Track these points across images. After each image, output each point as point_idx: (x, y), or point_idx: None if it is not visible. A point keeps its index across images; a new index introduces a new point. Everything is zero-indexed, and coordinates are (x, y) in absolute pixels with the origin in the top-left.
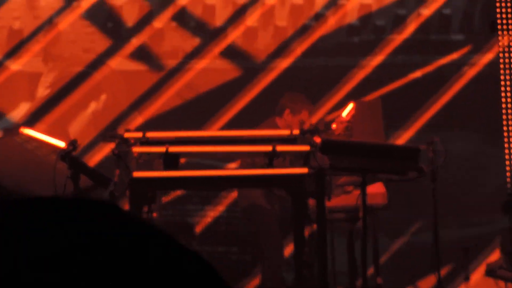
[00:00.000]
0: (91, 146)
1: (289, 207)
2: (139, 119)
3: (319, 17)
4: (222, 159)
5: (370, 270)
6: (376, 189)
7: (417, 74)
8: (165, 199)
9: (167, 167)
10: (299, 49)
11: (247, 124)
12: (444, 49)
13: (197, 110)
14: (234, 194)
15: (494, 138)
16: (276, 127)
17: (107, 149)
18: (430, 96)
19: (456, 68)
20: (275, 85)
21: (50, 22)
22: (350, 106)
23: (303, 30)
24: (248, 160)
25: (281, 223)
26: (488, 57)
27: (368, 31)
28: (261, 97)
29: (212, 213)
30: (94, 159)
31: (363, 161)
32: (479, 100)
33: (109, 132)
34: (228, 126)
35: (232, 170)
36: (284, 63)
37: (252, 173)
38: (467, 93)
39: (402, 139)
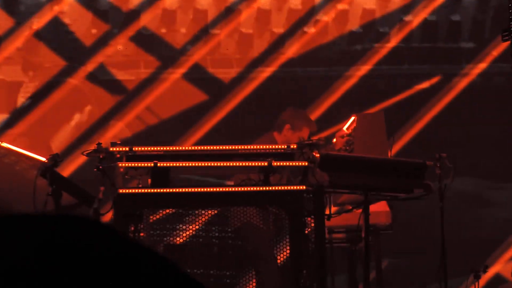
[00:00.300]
0: (73, 159)
1: (286, 227)
2: (126, 132)
3: (317, 23)
4: (215, 175)
5: None
6: (380, 208)
7: (425, 84)
8: (154, 217)
9: (155, 184)
10: (285, 56)
11: (234, 138)
12: (453, 58)
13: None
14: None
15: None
16: (274, 142)
17: (87, 162)
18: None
19: (464, 78)
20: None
21: (29, 28)
22: (352, 119)
23: (297, 36)
24: (242, 176)
25: (278, 244)
26: (500, 66)
27: (371, 38)
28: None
29: (202, 233)
30: (75, 173)
31: (365, 178)
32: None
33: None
34: (211, 140)
35: (224, 186)
36: (270, 72)
37: (246, 190)
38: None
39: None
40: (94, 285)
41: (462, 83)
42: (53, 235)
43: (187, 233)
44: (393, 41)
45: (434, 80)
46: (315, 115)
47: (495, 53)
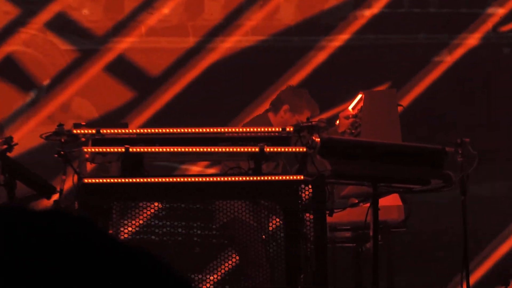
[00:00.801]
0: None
1: (281, 224)
2: (92, 111)
3: None
4: (197, 163)
5: None
6: (391, 202)
7: (444, 57)
8: (125, 212)
9: (127, 172)
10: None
11: (216, 119)
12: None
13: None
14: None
15: None
16: (268, 125)
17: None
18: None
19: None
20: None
21: None
22: (358, 97)
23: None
24: (230, 164)
25: (271, 244)
26: None
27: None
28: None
29: (182, 231)
30: (29, 157)
31: (374, 166)
32: None
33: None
34: (191, 121)
35: (208, 176)
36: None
37: (234, 180)
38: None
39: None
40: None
41: (486, 55)
42: (45, 233)
43: (164, 230)
44: (407, 6)
45: (455, 51)
46: (314, 93)
47: None
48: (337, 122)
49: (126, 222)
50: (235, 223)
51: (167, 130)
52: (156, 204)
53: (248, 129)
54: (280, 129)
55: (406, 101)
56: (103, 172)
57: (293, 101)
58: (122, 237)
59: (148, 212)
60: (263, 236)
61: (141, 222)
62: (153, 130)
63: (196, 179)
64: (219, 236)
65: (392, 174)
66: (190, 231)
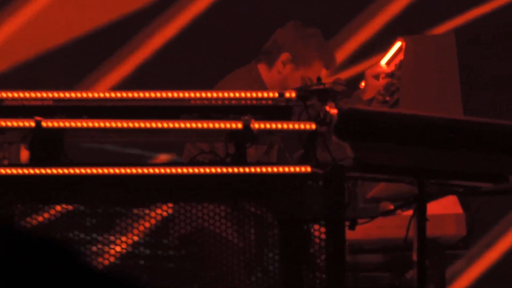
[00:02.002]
0: None
1: (276, 241)
2: None
3: None
4: (146, 145)
5: None
6: (446, 209)
7: None
8: (35, 219)
9: (37, 159)
10: None
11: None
12: None
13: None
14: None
15: None
16: (255, 83)
17: None
18: None
19: None
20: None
21: None
22: (396, 46)
23: None
24: (200, 146)
25: (258, 271)
26: None
27: None
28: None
29: (121, 248)
30: None
31: (420, 153)
32: None
33: None
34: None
35: (163, 166)
36: None
37: (205, 173)
38: None
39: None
40: None
41: None
42: None
43: (92, 246)
44: None
45: None
46: (329, 37)
47: None
48: (363, 84)
49: (36, 234)
50: (203, 238)
51: (101, 95)
52: (81, 208)
53: (225, 94)
54: (276, 93)
55: None
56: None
57: (296, 46)
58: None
59: (69, 220)
60: (248, 260)
61: (57, 235)
62: (79, 95)
63: (143, 171)
64: (177, 258)
65: (449, 166)
66: (132, 250)
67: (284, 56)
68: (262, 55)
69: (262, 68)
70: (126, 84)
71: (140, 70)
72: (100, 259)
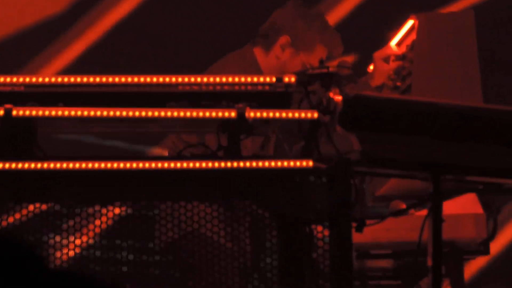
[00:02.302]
0: None
1: (274, 245)
2: None
3: None
4: (127, 136)
5: None
6: (464, 208)
7: None
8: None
9: (7, 151)
10: None
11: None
12: None
13: None
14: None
15: None
16: (250, 69)
17: None
18: None
19: None
20: None
21: None
22: (408, 25)
23: None
24: (187, 139)
25: (254, 278)
26: None
27: None
28: None
29: (101, 253)
30: None
31: (435, 145)
32: None
33: None
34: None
35: (147, 160)
36: None
37: (194, 168)
38: None
39: None
40: None
41: None
42: None
43: (69, 251)
44: None
45: None
46: (333, 20)
47: None
48: (371, 67)
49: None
50: (193, 242)
51: (78, 80)
52: (57, 207)
53: (217, 78)
54: (274, 78)
55: None
56: None
57: (297, 28)
58: None
59: (43, 221)
60: (243, 267)
61: (29, 237)
62: (53, 80)
63: (125, 166)
64: (164, 264)
65: (467, 160)
66: (114, 254)
67: (283, 39)
68: (259, 37)
69: (258, 52)
70: (77, 67)
71: (97, 51)
72: (77, 265)
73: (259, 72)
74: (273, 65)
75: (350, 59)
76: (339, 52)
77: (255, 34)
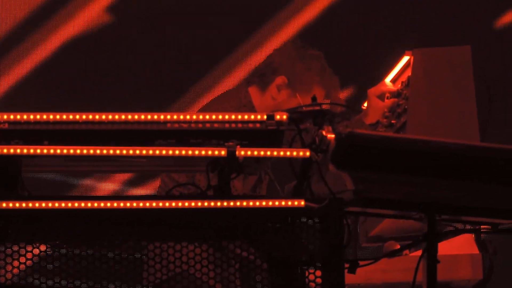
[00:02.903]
0: None
1: (265, 285)
2: None
3: None
4: (115, 173)
5: None
6: (461, 249)
7: None
8: None
9: None
10: None
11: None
12: None
13: None
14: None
15: None
16: (244, 109)
17: None
18: None
19: None
20: None
21: None
22: (404, 60)
23: None
24: (176, 179)
25: None
26: None
27: None
28: None
29: None
30: None
31: (431, 184)
32: None
33: None
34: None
35: (135, 200)
36: None
37: (183, 208)
38: None
39: None
40: None
41: None
42: None
43: None
44: None
45: None
46: (331, 60)
47: None
48: (366, 104)
49: None
50: (182, 283)
51: (64, 117)
52: (41, 248)
53: (206, 116)
54: (265, 115)
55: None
56: None
57: (295, 69)
58: None
59: (27, 263)
60: None
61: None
62: (38, 117)
63: (112, 205)
64: None
65: (463, 200)
66: None
67: (280, 79)
68: (255, 77)
69: (253, 91)
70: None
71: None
72: None
73: (252, 110)
74: (269, 106)
75: (343, 96)
76: (337, 95)
77: (253, 74)
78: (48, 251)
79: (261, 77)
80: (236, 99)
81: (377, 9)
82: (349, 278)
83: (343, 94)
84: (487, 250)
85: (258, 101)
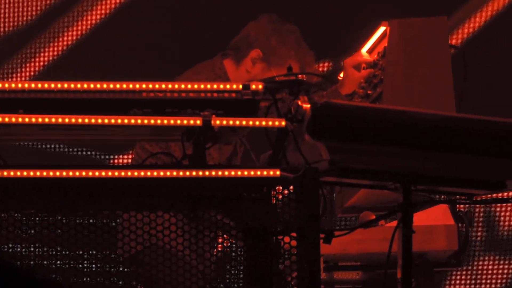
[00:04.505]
0: None
1: (240, 257)
2: None
3: None
4: (89, 144)
5: None
6: (435, 220)
7: None
8: None
9: None
10: None
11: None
12: None
13: None
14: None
15: None
16: (219, 79)
17: None
18: None
19: None
20: None
21: None
22: (380, 31)
23: None
24: (150, 148)
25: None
26: None
27: None
28: None
29: (63, 263)
30: None
31: (406, 154)
32: None
33: None
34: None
35: (108, 169)
36: None
37: (157, 177)
38: None
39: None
40: None
41: None
42: None
43: (29, 261)
44: None
45: None
46: (307, 30)
47: None
48: (342, 75)
49: None
50: (156, 252)
51: (39, 86)
52: (16, 217)
53: (182, 85)
54: (240, 85)
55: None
56: None
57: (270, 43)
58: None
59: (2, 231)
60: (208, 280)
61: None
62: (13, 85)
63: (87, 174)
64: (125, 275)
65: (438, 170)
66: (75, 265)
67: (255, 52)
68: (230, 49)
69: (228, 64)
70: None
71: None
72: (37, 275)
73: (223, 78)
74: (243, 78)
75: (319, 66)
76: (311, 70)
77: (226, 45)
78: (24, 219)
79: (236, 50)
80: (211, 71)
81: None
82: (324, 248)
83: (320, 67)
84: (462, 221)
85: (232, 74)
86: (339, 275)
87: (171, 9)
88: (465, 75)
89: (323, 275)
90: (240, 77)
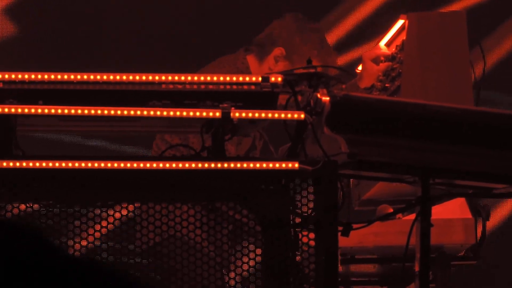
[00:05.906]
0: None
1: (258, 247)
2: None
3: None
4: (108, 136)
5: None
6: (453, 213)
7: None
8: None
9: None
10: None
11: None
12: None
13: None
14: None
15: None
16: (240, 73)
17: None
18: None
19: None
20: None
21: None
22: (398, 24)
23: None
24: (168, 140)
25: (235, 280)
26: None
27: None
28: None
29: (81, 250)
30: None
31: (424, 147)
32: None
33: None
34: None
35: (126, 160)
36: None
37: (176, 169)
38: None
39: None
40: None
41: None
42: None
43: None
44: None
45: None
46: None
47: None
48: (360, 68)
49: None
50: (174, 244)
51: (58, 77)
52: (35, 208)
53: (201, 77)
54: (260, 77)
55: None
56: None
57: (293, 41)
58: None
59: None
60: (226, 271)
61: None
62: (33, 76)
63: (106, 165)
64: (144, 266)
65: (457, 164)
66: (93, 256)
67: (278, 50)
68: (254, 46)
69: (251, 60)
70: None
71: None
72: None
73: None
74: (263, 71)
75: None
76: (335, 62)
77: (249, 40)
78: (42, 210)
79: (260, 47)
80: (233, 65)
81: None
82: (341, 241)
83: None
84: (480, 214)
85: (255, 70)
86: (355, 267)
87: (197, 1)
88: (483, 69)
89: (339, 268)
90: (262, 73)
